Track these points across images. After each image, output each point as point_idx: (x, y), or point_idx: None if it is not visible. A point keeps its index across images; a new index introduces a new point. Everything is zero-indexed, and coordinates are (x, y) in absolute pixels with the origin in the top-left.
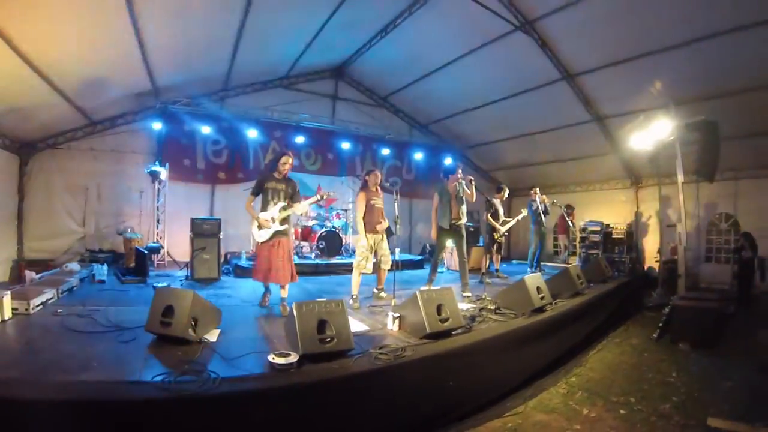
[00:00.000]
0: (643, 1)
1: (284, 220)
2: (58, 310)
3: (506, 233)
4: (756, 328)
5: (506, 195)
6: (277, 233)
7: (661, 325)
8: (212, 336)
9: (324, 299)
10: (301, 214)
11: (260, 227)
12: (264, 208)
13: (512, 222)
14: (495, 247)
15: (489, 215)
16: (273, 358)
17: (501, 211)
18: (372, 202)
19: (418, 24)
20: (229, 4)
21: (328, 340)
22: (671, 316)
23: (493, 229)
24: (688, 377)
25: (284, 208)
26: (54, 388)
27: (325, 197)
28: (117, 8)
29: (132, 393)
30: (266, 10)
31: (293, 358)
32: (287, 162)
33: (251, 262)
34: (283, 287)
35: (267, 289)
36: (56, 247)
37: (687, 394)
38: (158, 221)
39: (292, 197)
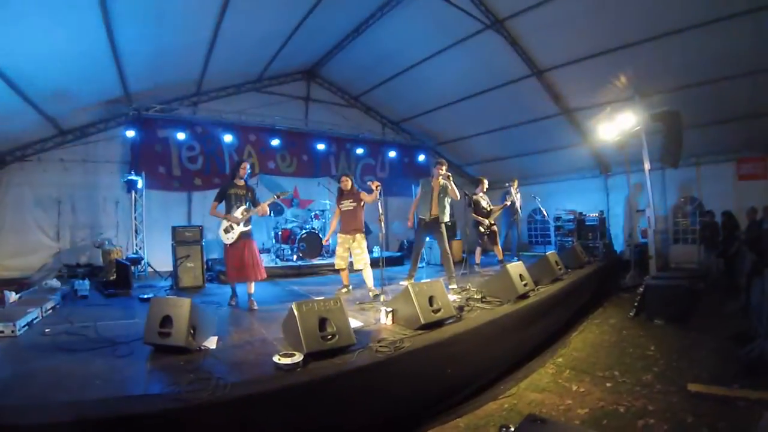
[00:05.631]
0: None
1: (247, 221)
2: (46, 330)
3: (493, 223)
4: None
5: (486, 186)
6: (242, 234)
7: (636, 304)
8: (211, 343)
9: (322, 298)
10: (261, 215)
11: (227, 231)
12: (228, 213)
13: (499, 209)
14: (487, 239)
15: (472, 212)
16: (279, 359)
17: (484, 203)
18: (341, 206)
19: (389, 24)
20: (205, 8)
21: (330, 337)
22: (645, 295)
23: (479, 224)
24: (666, 349)
25: (247, 210)
26: (61, 409)
27: (280, 197)
28: (90, 9)
29: (146, 406)
30: (241, 13)
31: (298, 357)
32: (245, 167)
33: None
34: (250, 285)
35: (234, 291)
36: (30, 264)
37: (666, 364)
38: (137, 231)
39: (253, 202)
